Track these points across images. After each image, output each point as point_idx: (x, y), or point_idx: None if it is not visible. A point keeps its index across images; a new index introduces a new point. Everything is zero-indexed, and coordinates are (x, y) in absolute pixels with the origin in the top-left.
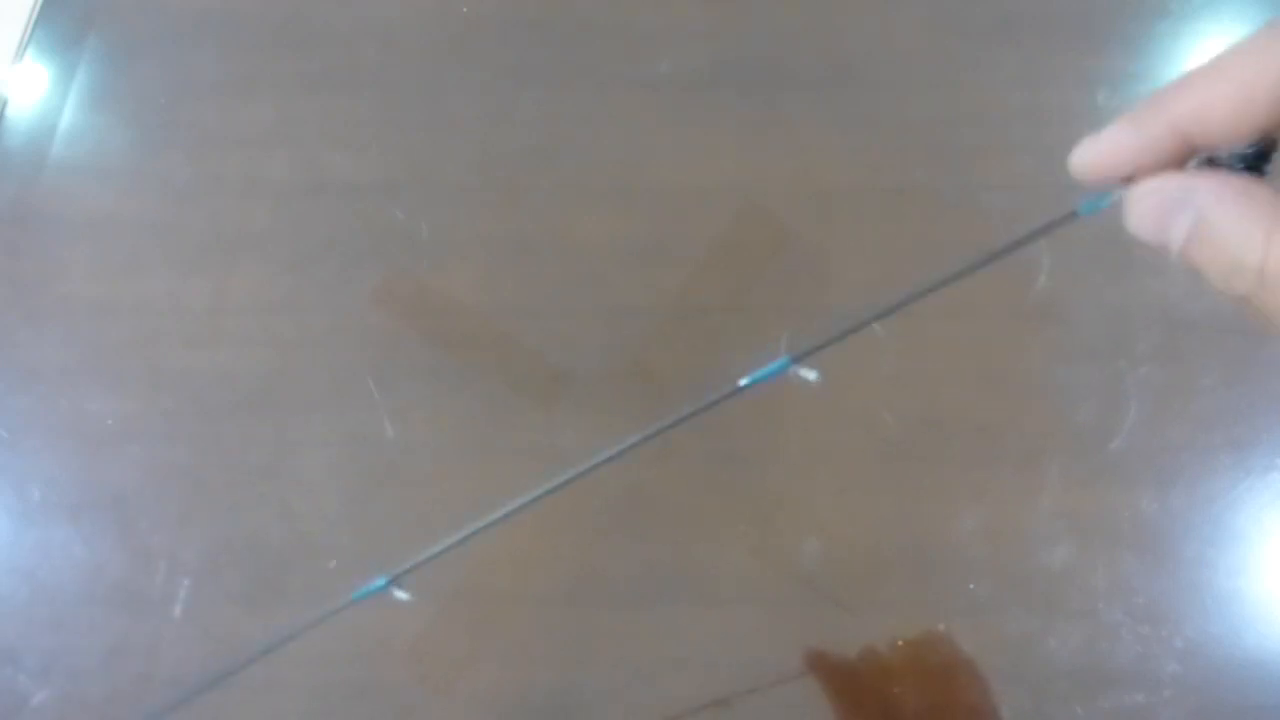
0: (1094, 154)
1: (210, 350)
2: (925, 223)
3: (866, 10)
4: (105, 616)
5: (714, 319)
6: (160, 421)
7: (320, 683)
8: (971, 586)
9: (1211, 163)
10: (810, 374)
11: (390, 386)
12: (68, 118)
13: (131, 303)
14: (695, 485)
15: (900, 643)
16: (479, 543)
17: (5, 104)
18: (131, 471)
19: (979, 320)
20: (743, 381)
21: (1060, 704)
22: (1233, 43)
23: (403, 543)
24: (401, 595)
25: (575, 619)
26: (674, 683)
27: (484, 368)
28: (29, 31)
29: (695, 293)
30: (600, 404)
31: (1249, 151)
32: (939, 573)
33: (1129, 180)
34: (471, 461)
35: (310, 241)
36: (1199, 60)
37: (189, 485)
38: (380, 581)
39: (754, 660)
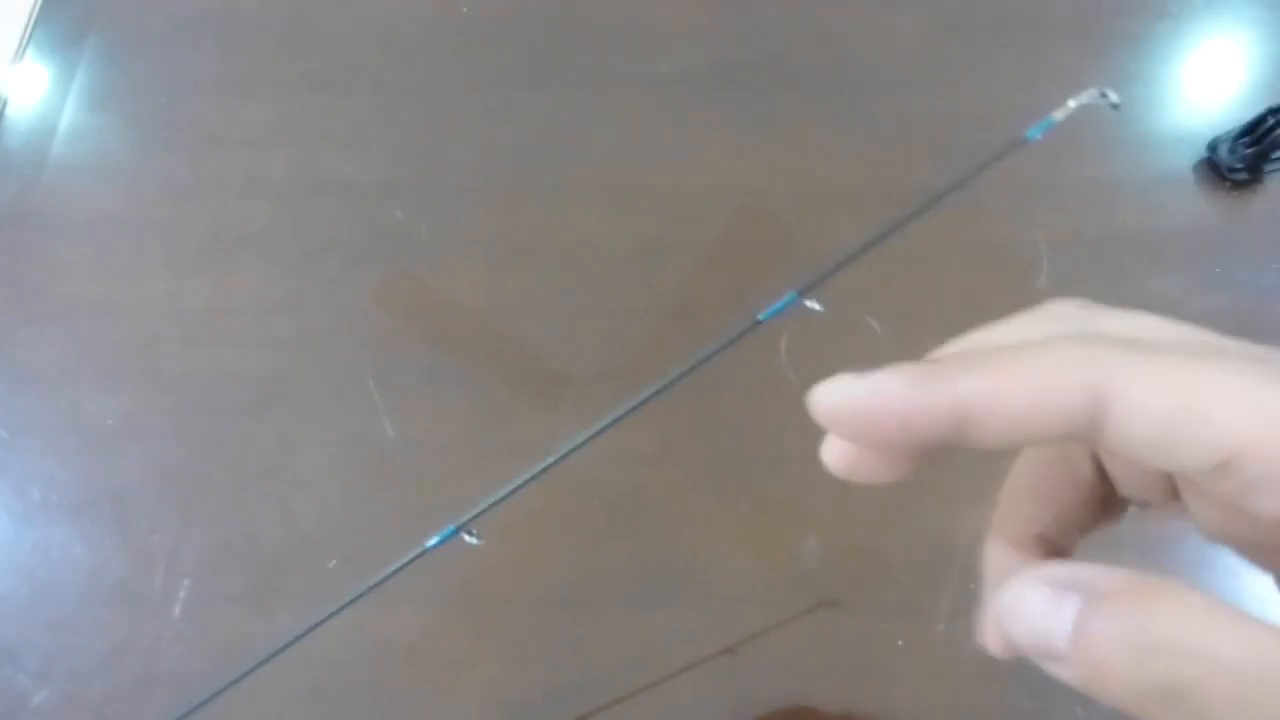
0: (851, 398)
1: (210, 350)
2: (925, 223)
3: (866, 10)
4: (105, 616)
5: (714, 319)
6: (160, 421)
7: (321, 684)
8: (971, 586)
9: (1212, 163)
10: (815, 305)
11: (390, 386)
12: (68, 118)
13: (131, 303)
14: (695, 485)
15: (900, 643)
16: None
17: (5, 104)
18: (131, 471)
19: (979, 321)
20: (760, 316)
21: (1060, 704)
22: (1028, 328)
23: (402, 542)
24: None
25: (574, 619)
26: (674, 683)
27: (484, 368)
28: (29, 31)
29: (695, 293)
30: (600, 404)
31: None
32: (939, 573)
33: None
34: (471, 461)
35: (310, 241)
36: (1199, 61)
37: (189, 485)
38: (449, 529)
39: (754, 660)
